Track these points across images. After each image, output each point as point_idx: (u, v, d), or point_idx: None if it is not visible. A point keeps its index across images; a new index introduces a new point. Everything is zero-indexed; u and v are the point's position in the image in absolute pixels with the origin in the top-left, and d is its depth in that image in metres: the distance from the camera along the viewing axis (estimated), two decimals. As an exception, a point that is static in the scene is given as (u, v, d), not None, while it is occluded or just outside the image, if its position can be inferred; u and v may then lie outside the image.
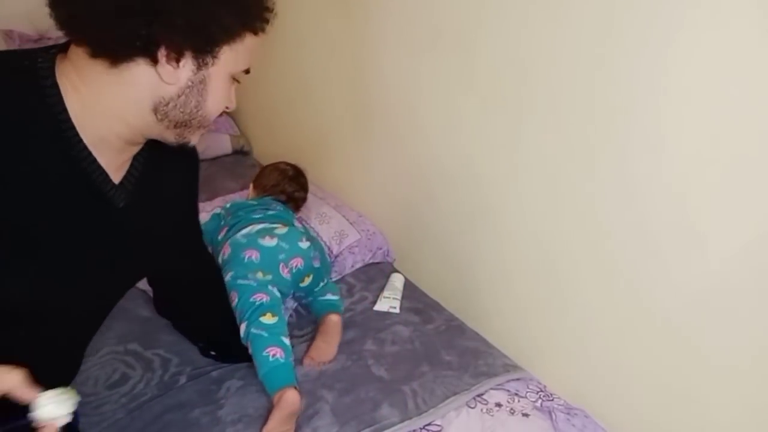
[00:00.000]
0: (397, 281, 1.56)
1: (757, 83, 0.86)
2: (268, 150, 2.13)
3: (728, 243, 0.95)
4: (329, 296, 1.40)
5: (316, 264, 1.39)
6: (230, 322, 1.22)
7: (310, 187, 1.72)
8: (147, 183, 0.90)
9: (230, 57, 0.81)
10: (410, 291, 1.55)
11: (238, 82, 0.86)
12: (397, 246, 1.67)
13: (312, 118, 1.89)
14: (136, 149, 0.87)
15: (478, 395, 1.20)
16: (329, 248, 1.61)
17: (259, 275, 1.29)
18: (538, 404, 1.21)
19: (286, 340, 1.18)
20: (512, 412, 1.18)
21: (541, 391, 1.25)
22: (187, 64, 0.77)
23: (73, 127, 0.77)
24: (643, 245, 1.06)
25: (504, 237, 1.34)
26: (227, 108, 0.87)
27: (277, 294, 1.28)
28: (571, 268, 1.21)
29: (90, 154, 0.79)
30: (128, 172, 0.88)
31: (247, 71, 0.85)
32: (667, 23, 0.94)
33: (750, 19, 0.85)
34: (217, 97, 0.83)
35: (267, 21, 0.82)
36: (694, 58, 0.92)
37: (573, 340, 1.24)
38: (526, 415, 1.18)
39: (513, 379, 1.26)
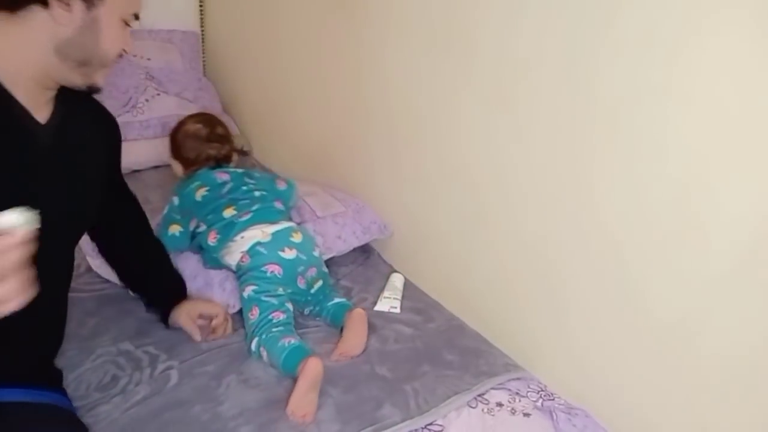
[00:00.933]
0: (397, 281, 1.56)
1: (761, 81, 0.86)
2: (268, 150, 2.13)
3: (729, 243, 0.95)
4: (337, 300, 1.41)
5: (324, 269, 1.41)
6: (158, 260, 1.34)
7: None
8: (71, 131, 0.98)
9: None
10: (410, 291, 1.55)
11: (128, 25, 0.95)
12: (398, 246, 1.67)
13: (312, 118, 1.89)
14: (52, 93, 0.96)
15: (479, 395, 1.20)
16: (312, 211, 1.60)
17: (280, 290, 1.32)
18: (538, 404, 1.21)
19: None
20: (513, 411, 1.18)
21: (542, 390, 1.25)
22: (77, 5, 0.88)
23: None
24: (643, 245, 1.06)
25: (505, 237, 1.34)
26: (125, 51, 0.96)
27: (291, 310, 1.32)
28: (571, 267, 1.21)
29: (6, 90, 0.88)
30: (52, 114, 0.96)
31: (136, 16, 0.96)
32: (669, 21, 0.94)
33: (753, 18, 0.85)
34: (111, 36, 0.92)
35: None
36: (698, 56, 0.92)
37: (573, 340, 1.24)
38: (527, 414, 1.18)
39: (514, 379, 1.26)
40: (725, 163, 0.93)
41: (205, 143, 1.56)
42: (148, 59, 2.03)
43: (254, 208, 1.42)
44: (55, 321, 1.07)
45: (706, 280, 0.99)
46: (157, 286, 1.33)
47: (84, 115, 1.02)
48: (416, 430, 1.11)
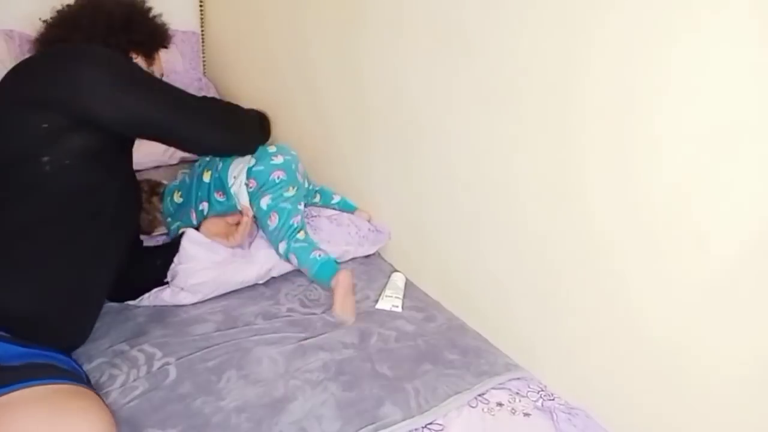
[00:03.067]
0: (398, 280, 1.56)
1: (759, 82, 0.86)
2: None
3: (729, 243, 0.95)
4: (336, 198, 1.76)
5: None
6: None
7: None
8: None
9: (161, 62, 1.46)
10: (411, 291, 1.55)
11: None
12: (398, 246, 1.67)
13: (312, 118, 1.89)
14: None
15: (480, 394, 1.20)
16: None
17: (290, 191, 1.53)
18: (539, 404, 1.21)
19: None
20: (513, 411, 1.18)
21: (542, 390, 1.24)
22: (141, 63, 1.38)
23: None
24: (643, 245, 1.06)
25: (505, 237, 1.34)
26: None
27: (302, 210, 1.55)
28: (571, 267, 1.21)
29: None
30: None
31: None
32: (667, 22, 0.94)
33: (751, 19, 0.85)
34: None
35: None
36: (696, 58, 0.92)
37: (573, 340, 1.24)
38: (527, 414, 1.17)
39: (514, 378, 1.26)
40: (724, 165, 0.93)
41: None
42: (148, 59, 2.02)
43: (220, 162, 1.58)
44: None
45: (705, 282, 0.99)
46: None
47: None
48: (416, 429, 1.10)
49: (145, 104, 1.16)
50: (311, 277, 1.46)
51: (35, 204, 1.07)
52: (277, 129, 2.08)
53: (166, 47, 1.47)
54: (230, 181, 1.55)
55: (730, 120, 0.91)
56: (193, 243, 1.43)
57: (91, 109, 1.08)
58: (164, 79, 2.06)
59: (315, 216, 1.65)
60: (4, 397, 0.89)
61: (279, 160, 1.56)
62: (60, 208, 1.09)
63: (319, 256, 1.44)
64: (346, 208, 1.75)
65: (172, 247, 1.45)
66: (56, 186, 1.08)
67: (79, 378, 1.05)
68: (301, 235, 1.48)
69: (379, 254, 1.71)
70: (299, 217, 1.50)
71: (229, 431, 1.06)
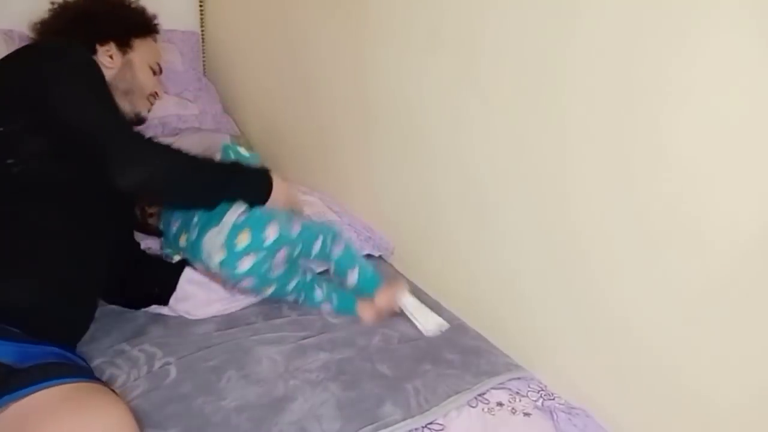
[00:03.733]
0: (412, 303, 1.41)
1: (759, 82, 0.86)
2: (268, 150, 2.13)
3: (729, 243, 0.95)
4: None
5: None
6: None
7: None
8: None
9: (143, 48, 1.44)
10: (412, 290, 1.54)
11: (155, 73, 1.48)
12: (398, 246, 1.67)
13: (312, 118, 1.89)
14: None
15: (480, 394, 1.20)
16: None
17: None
18: (539, 404, 1.21)
19: None
20: (513, 411, 1.18)
21: (542, 390, 1.24)
22: (115, 52, 1.39)
23: None
24: (644, 244, 1.06)
25: (505, 237, 1.34)
26: (158, 94, 1.50)
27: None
28: (572, 268, 1.21)
29: None
30: None
31: (160, 68, 1.52)
32: (667, 21, 0.94)
33: (752, 17, 0.85)
34: (144, 75, 1.43)
35: (156, 30, 1.53)
36: (697, 57, 0.92)
37: (573, 340, 1.24)
38: (527, 414, 1.17)
39: (514, 378, 1.26)
40: (724, 165, 0.93)
41: None
42: (148, 59, 2.03)
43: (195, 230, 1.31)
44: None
45: (704, 282, 0.99)
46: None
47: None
48: (417, 429, 1.10)
49: (90, 109, 1.13)
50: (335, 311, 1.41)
51: (10, 201, 1.08)
52: (278, 128, 2.09)
53: (145, 35, 1.48)
54: (203, 254, 1.29)
55: (730, 120, 0.91)
56: (191, 283, 1.37)
57: (46, 104, 1.09)
58: (165, 78, 2.08)
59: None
60: (26, 399, 0.87)
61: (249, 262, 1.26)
62: (38, 204, 1.10)
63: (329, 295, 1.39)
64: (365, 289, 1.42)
65: (169, 277, 1.37)
66: (29, 185, 1.10)
67: (92, 374, 1.06)
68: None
69: (379, 254, 1.71)
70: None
71: (229, 431, 1.06)
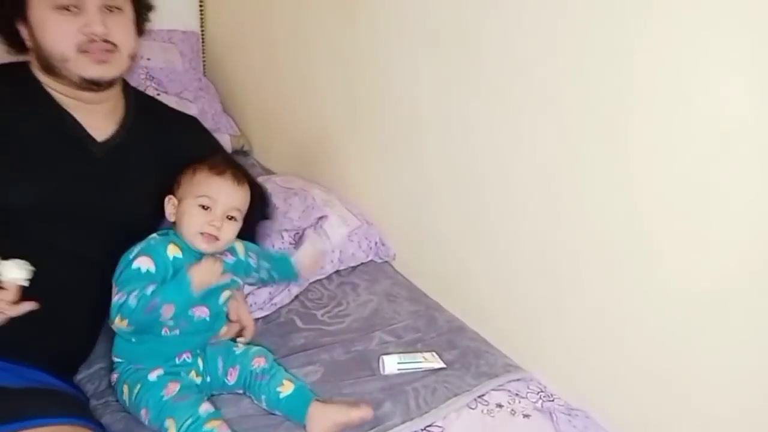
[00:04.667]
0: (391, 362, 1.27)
1: (758, 84, 0.86)
2: (268, 150, 2.13)
3: (729, 244, 0.95)
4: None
5: None
6: None
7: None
8: (129, 148, 1.12)
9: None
10: (410, 292, 1.54)
11: (68, 10, 1.00)
12: (398, 246, 1.67)
13: (313, 118, 1.89)
14: (103, 107, 1.12)
15: (479, 396, 1.20)
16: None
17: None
18: (538, 405, 1.21)
19: None
20: (513, 413, 1.18)
21: (542, 391, 1.25)
22: (18, 23, 1.02)
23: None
24: (644, 246, 1.06)
25: (505, 238, 1.34)
26: (87, 35, 1.01)
27: None
28: (571, 268, 1.21)
29: (69, 113, 1.07)
30: (118, 130, 1.14)
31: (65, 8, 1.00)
32: (669, 22, 0.94)
33: (754, 17, 0.85)
34: (49, 30, 1.00)
35: None
36: (696, 61, 0.92)
37: (573, 341, 1.24)
38: (527, 416, 1.18)
39: (514, 380, 1.26)
40: (725, 165, 0.93)
41: None
42: (148, 59, 2.02)
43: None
44: (84, 311, 1.12)
45: (704, 283, 0.99)
46: None
47: (160, 127, 1.17)
48: (416, 431, 1.10)
49: None
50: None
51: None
52: (278, 128, 2.09)
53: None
54: None
55: (730, 120, 0.91)
56: None
57: None
58: (165, 78, 2.05)
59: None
60: None
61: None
62: None
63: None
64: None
65: None
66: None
67: (78, 406, 1.02)
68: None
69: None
70: None
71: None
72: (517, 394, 1.22)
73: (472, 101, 1.33)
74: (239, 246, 1.21)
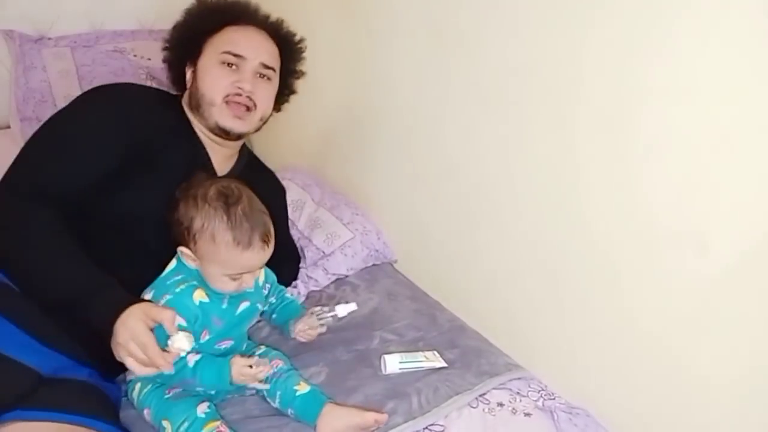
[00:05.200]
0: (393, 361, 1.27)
1: (760, 85, 0.86)
2: (268, 150, 2.13)
3: (728, 244, 0.95)
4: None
5: None
6: None
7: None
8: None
9: (209, 48, 1.23)
10: (411, 291, 1.54)
11: (230, 65, 1.21)
12: (399, 246, 1.67)
13: (314, 118, 1.89)
14: (228, 150, 1.30)
15: (481, 395, 1.20)
16: (320, 250, 1.59)
17: None
18: (539, 404, 1.21)
19: None
20: (514, 411, 1.18)
21: (543, 390, 1.25)
22: (190, 71, 1.26)
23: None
24: (644, 245, 1.07)
25: (505, 237, 1.34)
26: (237, 89, 1.20)
27: None
28: (571, 268, 1.21)
29: (203, 146, 1.25)
30: (231, 170, 1.31)
31: (235, 55, 1.21)
32: (668, 21, 0.95)
33: (753, 21, 0.85)
34: (209, 80, 1.20)
35: (239, 16, 1.27)
36: (697, 61, 0.93)
37: (573, 340, 1.24)
38: (528, 414, 1.18)
39: (515, 378, 1.27)
40: (724, 165, 0.93)
41: None
42: (149, 59, 2.02)
43: None
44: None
45: (704, 282, 1.00)
46: None
47: (257, 180, 1.22)
48: (418, 430, 1.10)
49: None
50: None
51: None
52: (277, 128, 2.09)
53: (212, 33, 1.26)
54: None
55: (730, 120, 0.91)
56: None
57: None
58: (165, 78, 2.06)
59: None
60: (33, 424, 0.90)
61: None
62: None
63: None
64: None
65: None
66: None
67: (110, 411, 1.04)
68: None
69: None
70: None
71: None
72: (518, 393, 1.23)
73: (472, 101, 1.33)
74: (260, 273, 1.19)
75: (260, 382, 1.07)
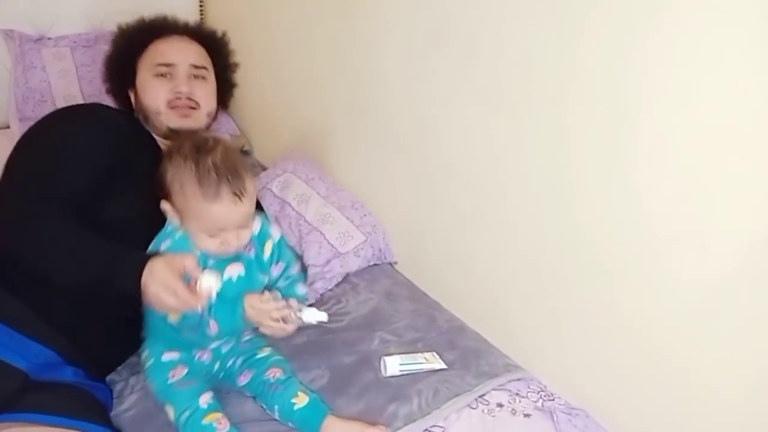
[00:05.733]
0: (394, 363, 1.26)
1: (760, 84, 0.86)
2: (268, 150, 2.13)
3: (729, 244, 0.95)
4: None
5: None
6: None
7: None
8: None
9: (142, 66, 1.32)
10: (410, 291, 1.55)
11: (164, 76, 1.28)
12: (398, 246, 1.67)
13: (313, 117, 1.89)
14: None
15: (480, 396, 1.21)
16: (334, 247, 1.59)
17: None
18: (539, 404, 1.21)
19: None
20: (513, 412, 1.18)
21: (542, 391, 1.25)
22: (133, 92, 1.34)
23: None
24: (644, 246, 1.07)
25: (504, 238, 1.34)
26: (176, 93, 1.28)
27: None
28: (571, 268, 1.21)
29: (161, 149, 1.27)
30: None
31: (166, 66, 1.29)
32: (669, 22, 0.94)
33: (752, 20, 0.85)
34: (148, 92, 1.29)
35: (161, 30, 1.36)
36: (698, 60, 0.93)
37: (573, 340, 1.25)
38: (527, 415, 1.18)
39: (514, 379, 1.27)
40: (724, 165, 0.93)
41: None
42: (149, 59, 2.02)
43: None
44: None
45: (705, 283, 1.00)
46: None
47: None
48: (418, 433, 1.11)
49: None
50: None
51: None
52: (277, 128, 2.09)
53: (141, 48, 1.35)
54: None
55: (730, 120, 0.91)
56: None
57: None
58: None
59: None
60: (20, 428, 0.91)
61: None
62: None
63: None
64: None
65: None
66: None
67: (93, 409, 1.05)
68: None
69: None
70: None
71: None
72: (517, 394, 1.23)
73: (471, 100, 1.33)
74: (268, 245, 1.13)
75: (275, 321, 1.04)
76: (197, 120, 1.31)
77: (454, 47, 1.33)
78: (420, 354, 1.29)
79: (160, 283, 0.96)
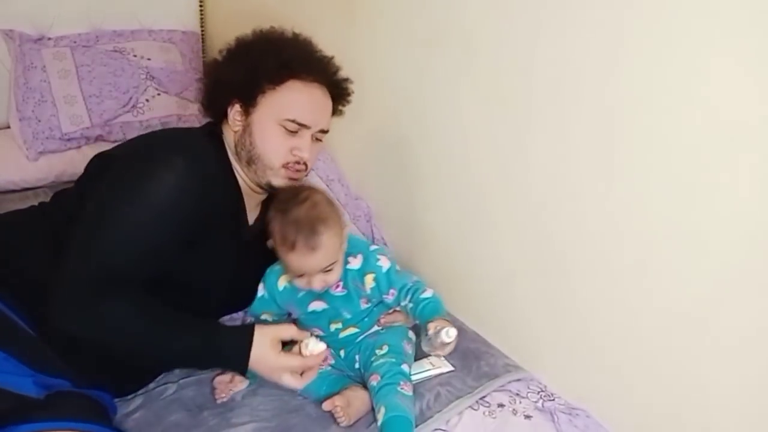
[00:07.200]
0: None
1: (760, 84, 0.87)
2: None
3: (729, 244, 0.96)
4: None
5: None
6: None
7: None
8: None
9: (269, 103, 1.15)
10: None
11: (291, 132, 1.15)
12: (398, 247, 1.67)
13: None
14: (261, 197, 1.25)
15: (481, 398, 1.21)
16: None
17: None
18: (539, 405, 1.22)
19: None
20: (514, 412, 1.19)
21: (542, 391, 1.26)
22: (238, 110, 1.16)
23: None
24: (643, 246, 1.07)
25: (504, 237, 1.34)
26: (297, 157, 1.16)
27: None
28: (571, 268, 1.21)
29: (241, 195, 1.21)
30: (259, 214, 1.27)
31: (298, 123, 1.15)
32: (668, 21, 0.95)
33: (752, 20, 0.86)
34: (266, 138, 1.14)
35: (304, 70, 1.18)
36: (698, 59, 0.93)
37: (573, 340, 1.25)
38: (528, 416, 1.19)
39: (514, 380, 1.27)
40: (724, 165, 0.94)
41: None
42: (149, 59, 2.02)
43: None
44: None
45: (705, 283, 1.00)
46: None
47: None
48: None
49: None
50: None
51: None
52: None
53: (278, 83, 1.17)
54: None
55: (730, 120, 0.91)
56: None
57: None
58: (165, 78, 2.04)
59: None
60: None
61: None
62: None
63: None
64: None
65: None
66: None
67: (100, 414, 1.04)
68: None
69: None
70: None
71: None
72: (517, 395, 1.23)
73: (470, 101, 1.33)
74: (368, 279, 1.21)
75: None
76: (300, 180, 1.21)
77: (454, 47, 1.33)
78: (426, 360, 1.29)
79: (280, 369, 1.07)
